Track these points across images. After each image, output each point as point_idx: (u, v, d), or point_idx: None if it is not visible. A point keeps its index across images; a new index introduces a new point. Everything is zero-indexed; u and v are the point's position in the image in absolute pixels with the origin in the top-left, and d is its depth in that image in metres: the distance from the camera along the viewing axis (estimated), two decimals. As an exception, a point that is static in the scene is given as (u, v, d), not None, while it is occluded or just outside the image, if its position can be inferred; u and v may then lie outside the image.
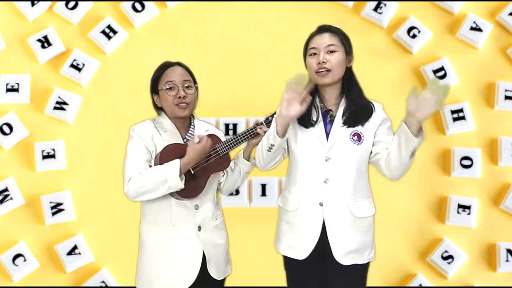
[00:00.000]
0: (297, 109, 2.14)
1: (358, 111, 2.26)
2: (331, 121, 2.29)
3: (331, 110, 2.31)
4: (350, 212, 2.25)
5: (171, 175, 2.15)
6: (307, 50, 2.31)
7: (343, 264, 2.24)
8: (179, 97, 2.28)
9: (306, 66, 2.34)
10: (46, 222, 3.44)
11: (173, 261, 2.25)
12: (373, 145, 2.28)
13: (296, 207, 2.29)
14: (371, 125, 2.28)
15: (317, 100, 2.33)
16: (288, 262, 2.35)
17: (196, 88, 2.37)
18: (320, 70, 2.24)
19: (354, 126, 2.26)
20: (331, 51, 2.25)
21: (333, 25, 2.33)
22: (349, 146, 2.25)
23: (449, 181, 3.44)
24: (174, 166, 2.17)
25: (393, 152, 2.20)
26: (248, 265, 3.27)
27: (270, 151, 2.24)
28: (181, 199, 2.25)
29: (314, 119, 2.29)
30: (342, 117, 2.27)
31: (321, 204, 2.24)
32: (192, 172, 2.24)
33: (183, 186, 2.18)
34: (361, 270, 2.32)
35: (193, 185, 2.25)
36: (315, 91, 2.33)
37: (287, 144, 2.33)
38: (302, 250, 2.27)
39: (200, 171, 2.27)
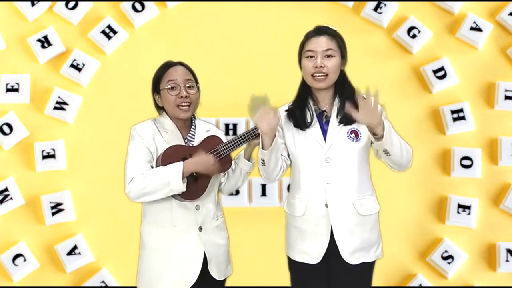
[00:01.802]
0: (273, 120, 2.18)
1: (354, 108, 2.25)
2: (327, 122, 2.29)
3: (325, 111, 2.31)
4: (356, 210, 2.25)
5: (174, 177, 2.15)
6: (303, 51, 2.29)
7: (351, 263, 2.24)
8: (181, 97, 2.28)
9: (300, 67, 2.33)
10: (46, 222, 3.44)
11: (174, 262, 2.25)
12: (373, 142, 2.26)
13: (303, 212, 2.28)
14: None
15: (311, 102, 2.32)
16: (298, 266, 2.32)
17: (198, 88, 2.36)
18: (317, 74, 2.23)
19: (350, 124, 2.26)
20: (329, 56, 2.24)
21: (331, 27, 2.31)
22: (348, 144, 2.25)
23: (449, 181, 3.44)
24: (177, 169, 2.16)
25: (379, 153, 2.24)
26: (248, 265, 3.26)
27: (263, 165, 2.26)
28: (183, 201, 2.25)
29: (309, 120, 2.28)
30: (338, 116, 2.27)
31: (326, 206, 2.24)
32: (194, 174, 2.24)
33: (184, 189, 2.17)
34: (368, 268, 2.31)
35: (195, 186, 2.24)
36: (308, 93, 2.33)
37: (287, 151, 2.33)
38: (314, 255, 2.26)
39: (202, 173, 2.27)
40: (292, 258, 2.34)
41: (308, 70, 2.25)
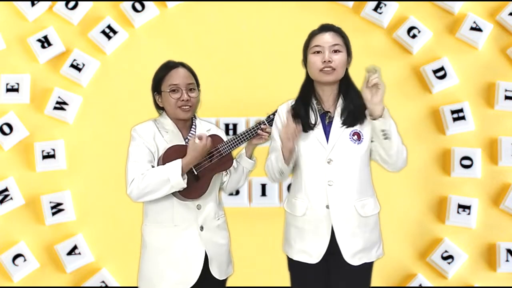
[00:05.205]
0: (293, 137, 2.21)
1: (356, 110, 2.25)
2: (330, 123, 2.28)
3: (329, 111, 2.30)
4: (357, 212, 2.25)
5: (173, 174, 2.15)
6: (309, 48, 2.29)
7: (352, 264, 2.25)
8: (183, 100, 2.28)
9: (306, 65, 2.32)
10: (46, 222, 3.44)
11: (176, 261, 2.25)
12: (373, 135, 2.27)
13: (304, 212, 2.28)
14: (368, 123, 2.26)
15: (315, 103, 2.32)
16: (298, 266, 2.32)
17: (199, 90, 2.36)
18: (325, 69, 2.23)
19: (353, 126, 2.26)
20: (336, 51, 2.24)
21: (335, 25, 2.32)
22: (350, 146, 2.25)
23: (449, 181, 3.43)
24: (175, 165, 2.17)
25: (375, 143, 2.25)
26: (248, 265, 3.26)
27: (282, 175, 2.29)
28: (184, 200, 2.26)
29: (313, 122, 2.28)
30: (341, 117, 2.27)
31: (327, 207, 2.24)
32: (195, 173, 2.25)
33: (185, 185, 2.18)
34: (369, 268, 2.33)
35: (196, 185, 2.25)
36: (311, 92, 2.33)
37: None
38: (314, 254, 2.26)
39: (203, 172, 2.27)
40: (291, 257, 2.34)
41: (316, 65, 2.24)
